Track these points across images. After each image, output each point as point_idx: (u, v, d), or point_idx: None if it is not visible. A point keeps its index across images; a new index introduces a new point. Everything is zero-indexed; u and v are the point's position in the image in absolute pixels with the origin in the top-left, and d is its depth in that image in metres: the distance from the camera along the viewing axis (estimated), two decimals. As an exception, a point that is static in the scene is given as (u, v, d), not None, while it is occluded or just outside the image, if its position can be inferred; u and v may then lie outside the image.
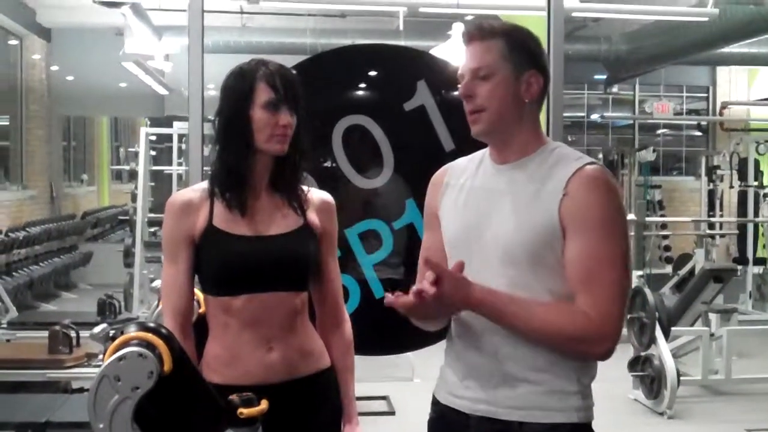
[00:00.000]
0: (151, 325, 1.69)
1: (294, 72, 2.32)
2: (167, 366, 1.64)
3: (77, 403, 4.17)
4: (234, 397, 1.71)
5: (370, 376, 5.56)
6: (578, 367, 1.93)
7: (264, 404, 1.72)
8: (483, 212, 1.97)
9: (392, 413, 6.09)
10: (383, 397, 6.33)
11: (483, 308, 1.87)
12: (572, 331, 1.85)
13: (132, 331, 1.66)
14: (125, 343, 1.64)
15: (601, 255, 1.86)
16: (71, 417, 4.00)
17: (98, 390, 1.62)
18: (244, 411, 1.69)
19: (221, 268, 2.21)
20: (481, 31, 1.97)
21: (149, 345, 1.64)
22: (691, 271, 8.62)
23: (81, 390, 4.67)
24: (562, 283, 1.89)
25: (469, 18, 8.00)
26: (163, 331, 1.69)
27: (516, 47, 1.96)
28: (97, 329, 1.69)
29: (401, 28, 9.34)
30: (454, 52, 6.82)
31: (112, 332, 1.69)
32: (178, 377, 1.66)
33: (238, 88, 2.19)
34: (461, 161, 2.15)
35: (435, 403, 2.10)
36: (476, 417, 1.96)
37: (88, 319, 5.48)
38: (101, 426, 1.62)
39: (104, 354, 1.65)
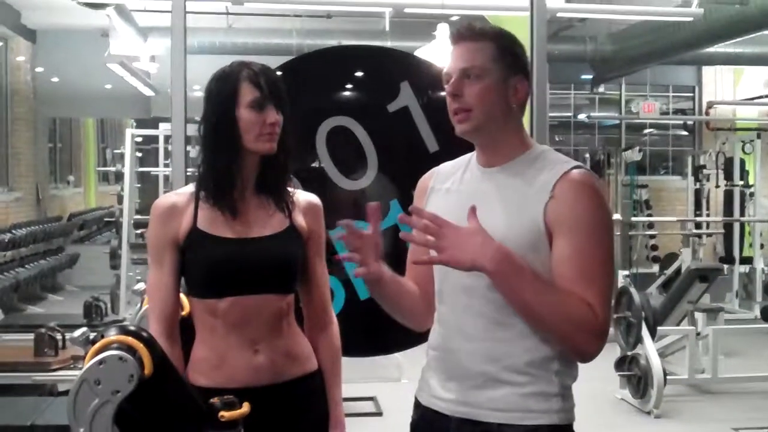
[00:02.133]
0: (132, 328, 1.68)
1: (277, 72, 2.32)
2: (148, 369, 1.63)
3: (63, 405, 4.13)
4: (215, 400, 1.70)
5: (357, 377, 5.56)
6: (559, 369, 1.93)
7: (245, 407, 1.72)
8: None
9: (379, 414, 6.08)
10: (370, 398, 6.32)
11: (507, 262, 1.80)
12: (580, 320, 1.82)
13: (112, 335, 1.65)
14: (105, 347, 1.63)
15: (595, 256, 1.87)
16: (57, 420, 3.98)
17: (78, 394, 1.62)
18: (225, 414, 1.68)
19: (206, 270, 2.20)
20: (471, 32, 1.97)
21: (129, 348, 1.63)
22: (678, 271, 8.63)
23: (67, 393, 4.64)
24: None
25: (454, 19, 8.01)
26: (144, 334, 1.68)
27: (505, 51, 1.97)
28: (77, 333, 1.68)
29: (387, 28, 9.35)
30: (438, 53, 6.84)
31: (92, 336, 1.68)
32: (159, 380, 1.65)
33: (222, 90, 2.19)
34: (447, 165, 2.15)
35: (417, 405, 2.09)
36: (457, 419, 1.95)
37: (75, 322, 5.47)
38: (81, 430, 1.61)
39: (84, 357, 1.64)
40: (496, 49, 1.96)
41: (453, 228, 1.80)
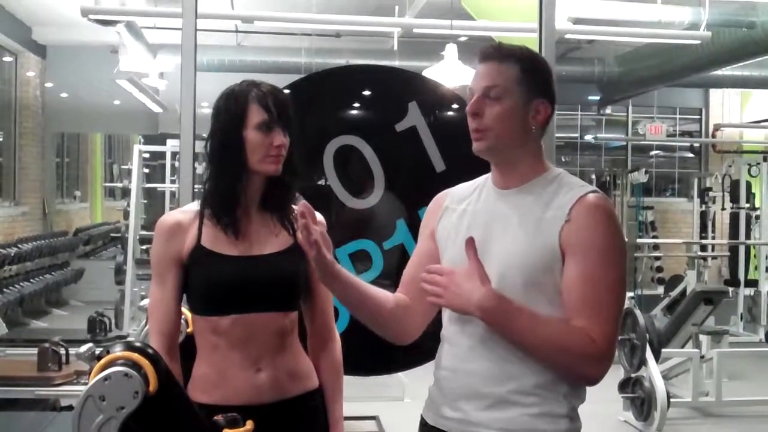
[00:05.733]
0: (138, 344, 1.68)
1: (286, 92, 2.33)
2: (152, 386, 1.63)
3: (66, 420, 4.14)
4: (219, 417, 1.70)
5: (360, 396, 5.55)
6: (568, 390, 1.93)
7: (249, 425, 1.72)
8: (484, 236, 1.95)
9: (382, 434, 6.07)
10: (373, 417, 6.30)
11: (497, 308, 1.84)
12: (577, 349, 1.84)
13: (118, 351, 1.65)
14: (111, 363, 1.63)
15: (603, 279, 1.87)
16: (59, 435, 3.98)
17: (83, 409, 1.61)
18: (229, 432, 1.68)
19: (209, 287, 2.20)
20: (498, 52, 1.99)
21: (135, 365, 1.63)
22: (683, 293, 8.63)
23: (70, 408, 4.64)
24: (555, 309, 1.88)
25: (462, 39, 8.04)
26: (150, 351, 1.68)
27: (530, 73, 1.98)
28: (83, 348, 1.68)
29: (395, 48, 9.38)
30: (446, 73, 6.85)
31: (98, 351, 1.68)
32: (163, 397, 1.65)
33: (231, 110, 2.19)
34: (463, 187, 2.16)
35: (423, 424, 2.09)
36: (465, 439, 1.95)
37: (78, 337, 5.45)
38: (85, 446, 1.61)
39: (90, 373, 1.64)
40: (521, 71, 1.97)
41: (448, 274, 1.89)
